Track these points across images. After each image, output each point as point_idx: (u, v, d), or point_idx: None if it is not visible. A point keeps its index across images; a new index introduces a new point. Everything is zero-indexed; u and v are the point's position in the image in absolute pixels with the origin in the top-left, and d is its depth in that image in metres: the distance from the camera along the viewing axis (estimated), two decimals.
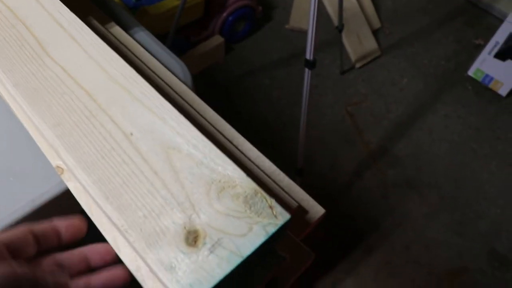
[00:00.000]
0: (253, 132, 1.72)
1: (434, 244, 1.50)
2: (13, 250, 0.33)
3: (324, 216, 0.52)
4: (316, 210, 0.52)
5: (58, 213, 0.56)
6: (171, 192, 0.39)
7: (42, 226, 0.37)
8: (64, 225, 0.38)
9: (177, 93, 0.61)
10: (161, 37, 1.59)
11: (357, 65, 1.93)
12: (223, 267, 0.35)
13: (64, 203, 0.55)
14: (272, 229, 0.37)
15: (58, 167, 0.47)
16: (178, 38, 1.73)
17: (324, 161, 1.66)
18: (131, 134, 0.43)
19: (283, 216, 0.38)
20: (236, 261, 0.36)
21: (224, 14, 1.78)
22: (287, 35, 2.03)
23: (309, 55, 1.04)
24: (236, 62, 1.91)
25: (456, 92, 1.91)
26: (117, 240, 0.41)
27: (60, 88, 0.46)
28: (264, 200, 0.39)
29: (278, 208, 0.39)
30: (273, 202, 0.39)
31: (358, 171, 1.65)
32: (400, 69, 1.97)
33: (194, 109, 0.59)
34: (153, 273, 0.37)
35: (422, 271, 1.44)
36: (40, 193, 0.53)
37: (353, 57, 1.92)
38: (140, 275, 0.39)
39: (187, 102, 0.59)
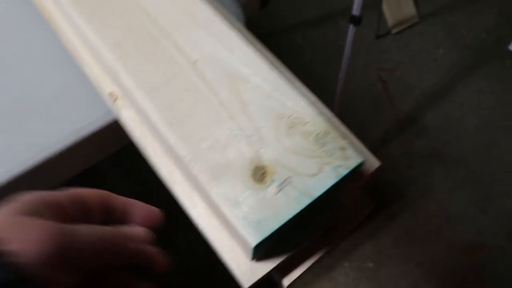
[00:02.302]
0: None
1: (456, 218, 1.48)
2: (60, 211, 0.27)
3: (379, 169, 0.50)
4: (371, 162, 0.50)
5: (102, 145, 0.55)
6: (238, 123, 0.37)
7: (117, 200, 0.30)
8: (141, 212, 0.30)
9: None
10: None
11: (394, 31, 1.87)
12: (292, 206, 0.33)
13: (110, 135, 0.53)
14: (343, 171, 0.35)
15: (111, 93, 0.45)
16: None
17: (352, 124, 1.61)
18: (196, 61, 0.41)
19: (355, 159, 0.36)
20: (305, 201, 0.34)
21: None
22: None
23: (356, 11, 1.00)
24: (270, 17, 1.85)
25: (493, 67, 1.84)
26: (173, 174, 0.39)
27: (122, 5, 0.44)
28: (336, 140, 0.37)
29: (350, 151, 0.36)
30: (345, 143, 0.37)
31: (385, 138, 1.62)
32: (437, 38, 1.90)
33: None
34: (214, 208, 0.35)
35: (441, 243, 1.43)
36: (85, 124, 0.51)
37: (390, 22, 1.85)
38: (196, 212, 0.38)
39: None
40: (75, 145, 0.51)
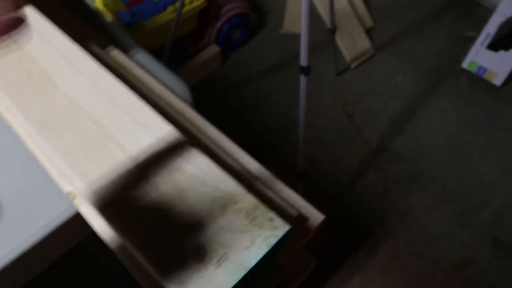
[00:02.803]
0: (255, 137, 1.75)
1: (438, 236, 1.53)
2: None
3: (324, 222, 0.55)
4: (316, 216, 0.55)
5: (69, 236, 0.59)
6: (177, 212, 0.42)
7: None
8: None
9: (177, 111, 0.64)
10: (158, 51, 1.62)
11: (352, 65, 1.96)
12: (230, 279, 0.38)
13: (75, 226, 0.57)
14: (273, 240, 0.40)
15: (69, 193, 0.50)
16: (175, 50, 1.76)
17: (326, 162, 1.69)
18: (137, 157, 0.46)
19: (283, 228, 0.41)
20: (241, 272, 0.39)
21: (219, 24, 1.81)
22: (282, 40, 2.06)
23: (304, 61, 1.07)
24: (233, 70, 1.94)
25: (451, 85, 1.93)
26: (127, 255, 0.44)
27: (70, 118, 0.49)
28: (264, 213, 0.42)
29: (278, 220, 0.42)
30: (272, 215, 0.42)
31: (359, 170, 1.67)
32: (394, 66, 2.00)
33: (195, 126, 0.62)
34: None
35: (427, 264, 1.47)
36: (52, 218, 0.56)
37: (347, 57, 1.95)
38: None
39: (187, 120, 0.62)
40: (44, 239, 0.55)
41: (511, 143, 1.76)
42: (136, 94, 0.51)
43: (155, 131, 0.48)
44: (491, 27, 1.83)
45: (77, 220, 0.56)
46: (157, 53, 1.66)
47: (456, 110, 1.85)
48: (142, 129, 0.48)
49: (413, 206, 1.59)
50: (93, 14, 0.81)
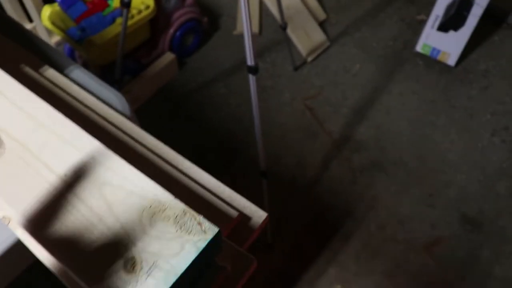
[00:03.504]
0: (218, 141, 1.75)
1: (408, 219, 1.55)
2: None
3: (267, 220, 0.55)
4: (259, 215, 0.55)
5: (14, 263, 0.58)
6: (107, 225, 0.42)
7: None
8: None
9: (115, 125, 0.63)
10: (112, 64, 1.61)
11: (309, 59, 1.98)
12: (160, 287, 0.38)
13: (18, 253, 0.57)
14: (202, 244, 0.40)
15: (4, 218, 0.49)
16: (130, 61, 1.75)
17: (290, 158, 1.70)
18: (65, 175, 0.46)
19: (212, 230, 0.41)
20: (171, 279, 0.39)
21: (171, 31, 1.80)
22: (237, 41, 2.06)
23: (250, 61, 1.07)
24: (191, 75, 1.94)
25: (407, 69, 1.97)
26: (68, 280, 0.44)
27: None
28: (192, 218, 0.42)
29: (207, 224, 0.42)
30: (201, 218, 0.42)
31: (324, 163, 1.69)
32: (351, 55, 2.03)
33: (133, 138, 0.61)
34: None
35: (400, 247, 1.49)
36: None
37: (303, 52, 1.96)
38: None
39: (125, 132, 0.62)
40: None
41: (470, 120, 1.80)
42: (61, 113, 0.51)
43: (82, 148, 0.48)
44: (439, 9, 1.88)
45: (20, 246, 0.55)
46: (110, 68, 1.65)
47: (415, 93, 1.89)
48: (69, 147, 0.48)
49: (381, 192, 1.61)
50: (25, 35, 0.80)
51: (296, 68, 1.95)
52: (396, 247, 1.49)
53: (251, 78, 1.08)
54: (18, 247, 0.55)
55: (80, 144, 0.48)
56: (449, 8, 1.85)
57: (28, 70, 0.70)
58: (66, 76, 0.74)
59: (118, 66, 1.47)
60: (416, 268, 1.46)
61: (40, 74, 0.71)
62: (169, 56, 1.83)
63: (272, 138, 1.74)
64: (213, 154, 1.71)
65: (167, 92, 1.88)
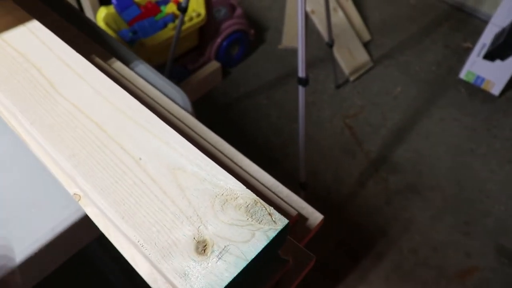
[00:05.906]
0: (256, 151, 1.77)
1: (442, 245, 1.53)
2: None
3: (323, 222, 0.56)
4: (315, 216, 0.56)
5: (78, 238, 0.61)
6: (179, 208, 0.44)
7: None
8: None
9: (178, 119, 0.65)
10: (160, 67, 1.65)
11: (351, 78, 1.98)
12: (231, 270, 0.39)
13: (83, 228, 0.59)
14: (272, 234, 0.41)
15: (75, 194, 0.52)
16: (176, 66, 1.79)
17: (327, 173, 1.70)
18: (140, 159, 0.48)
19: (281, 221, 0.42)
20: (242, 264, 0.40)
21: (219, 40, 1.84)
22: (281, 55, 2.09)
23: (301, 73, 1.09)
24: (234, 85, 1.97)
25: (449, 96, 1.95)
26: (135, 257, 0.45)
27: (73, 122, 0.51)
28: (263, 208, 0.43)
29: (277, 215, 0.43)
30: (271, 209, 0.43)
31: (360, 181, 1.68)
32: (393, 78, 2.03)
33: (196, 133, 0.63)
34: (168, 282, 0.41)
35: (432, 273, 1.47)
36: (59, 221, 0.58)
37: (346, 70, 1.97)
38: (157, 287, 0.43)
39: (188, 127, 0.64)
40: (51, 242, 0.57)
41: (511, 151, 1.77)
42: (137, 100, 0.53)
43: (157, 133, 0.50)
44: (486, 38, 1.86)
45: (83, 223, 0.57)
46: (158, 70, 1.69)
47: (456, 119, 1.87)
48: (144, 132, 0.50)
49: (416, 215, 1.59)
50: (95, 30, 0.84)
51: (338, 86, 1.96)
52: (427, 272, 1.47)
53: (301, 90, 1.10)
54: (83, 224, 0.57)
55: (155, 130, 0.50)
56: (497, 37, 1.84)
57: (99, 60, 0.74)
58: (132, 69, 0.77)
59: (168, 69, 1.51)
60: None
61: (109, 65, 0.74)
62: (214, 65, 1.87)
63: (310, 152, 1.74)
64: None
65: (209, 99, 1.91)
